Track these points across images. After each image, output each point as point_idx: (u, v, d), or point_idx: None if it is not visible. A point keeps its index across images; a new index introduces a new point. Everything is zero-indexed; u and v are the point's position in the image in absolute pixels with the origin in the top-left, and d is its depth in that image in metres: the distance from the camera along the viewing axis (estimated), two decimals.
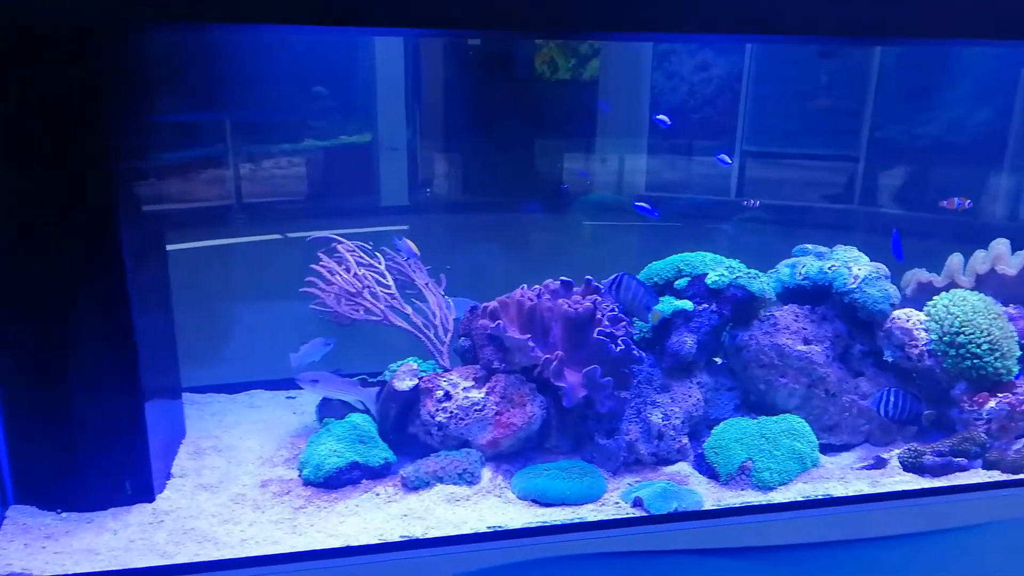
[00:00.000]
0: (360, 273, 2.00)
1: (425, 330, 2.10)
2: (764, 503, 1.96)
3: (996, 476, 2.07)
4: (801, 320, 2.22)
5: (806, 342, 2.20)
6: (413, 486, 1.95)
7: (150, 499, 1.86)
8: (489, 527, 1.83)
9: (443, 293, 2.18)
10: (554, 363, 1.98)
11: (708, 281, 2.15)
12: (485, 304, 2.07)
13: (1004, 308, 2.37)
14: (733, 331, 2.21)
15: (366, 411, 2.13)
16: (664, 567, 1.84)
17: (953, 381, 2.20)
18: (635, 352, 2.04)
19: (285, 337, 2.39)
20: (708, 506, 1.93)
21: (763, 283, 2.16)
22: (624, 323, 2.06)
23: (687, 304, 2.14)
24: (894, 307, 2.20)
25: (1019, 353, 2.22)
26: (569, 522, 1.83)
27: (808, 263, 2.26)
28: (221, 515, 1.84)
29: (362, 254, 2.09)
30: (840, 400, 2.20)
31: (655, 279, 2.23)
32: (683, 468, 2.10)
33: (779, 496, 1.99)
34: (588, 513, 1.90)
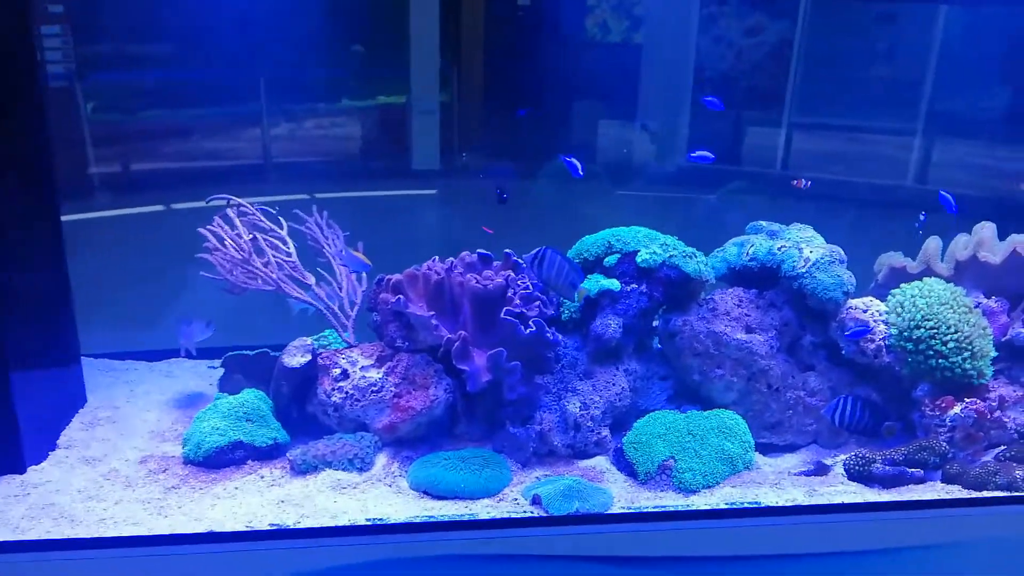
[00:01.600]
0: (248, 238, 1.85)
1: (329, 302, 1.94)
2: (682, 508, 1.77)
3: (956, 492, 1.83)
4: (745, 305, 2.00)
5: (748, 330, 1.98)
6: (300, 470, 1.81)
7: (20, 470, 1.77)
8: (368, 519, 1.68)
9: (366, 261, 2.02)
10: (457, 343, 1.81)
11: (638, 259, 1.94)
12: (389, 276, 1.90)
13: (984, 301, 2.11)
14: (667, 315, 2.00)
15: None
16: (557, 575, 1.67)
17: (916, 380, 1.96)
18: (548, 335, 1.85)
19: (226, 303, 2.27)
20: (617, 508, 1.75)
21: (700, 263, 1.95)
22: (538, 302, 1.87)
23: (613, 284, 1.94)
24: (848, 295, 1.96)
25: (993, 353, 1.96)
26: (449, 518, 1.67)
27: (757, 242, 2.04)
28: (88, 491, 1.73)
29: (262, 218, 1.93)
30: (784, 396, 1.98)
31: (585, 255, 2.03)
32: (600, 463, 1.92)
33: (701, 500, 1.80)
34: (483, 509, 1.74)
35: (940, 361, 1.88)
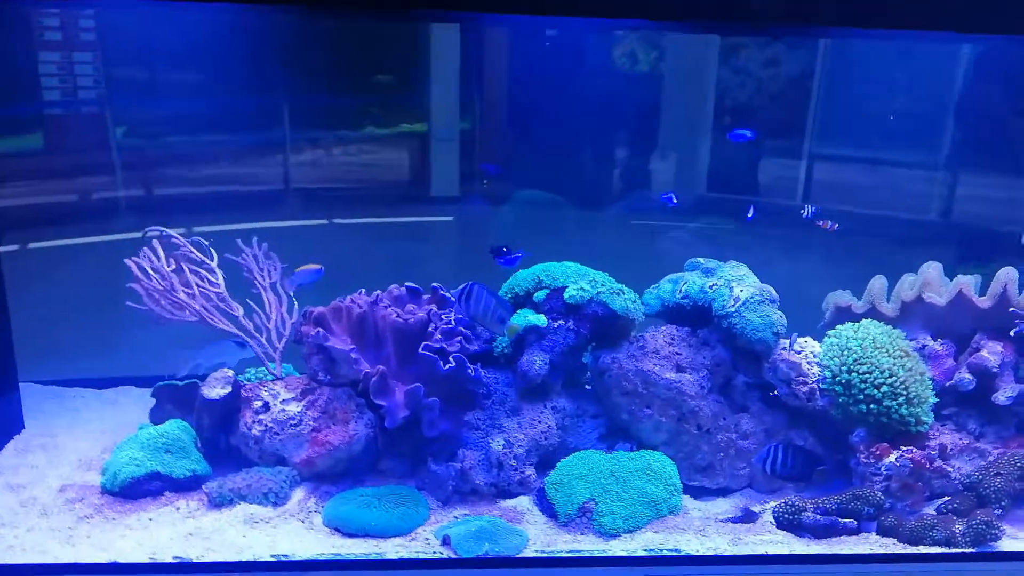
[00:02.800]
0: (171, 269, 1.87)
1: (256, 334, 1.95)
2: (597, 554, 1.72)
3: (890, 546, 1.76)
4: (677, 344, 1.96)
5: (678, 369, 1.94)
6: (216, 503, 1.80)
7: None
8: (273, 556, 1.66)
9: (290, 294, 2.03)
10: (375, 378, 1.80)
11: (565, 296, 1.92)
12: (312, 308, 1.90)
13: (930, 343, 2.05)
14: (597, 352, 1.97)
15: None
16: None
17: (851, 425, 1.90)
18: (468, 371, 1.83)
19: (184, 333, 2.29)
20: (531, 552, 1.71)
21: (627, 300, 1.92)
22: (460, 337, 1.86)
23: (540, 319, 1.92)
24: (779, 336, 1.91)
25: (932, 399, 1.90)
26: (353, 558, 1.64)
27: (691, 280, 2.00)
28: (3, 518, 1.74)
29: (192, 249, 1.95)
30: (715, 438, 1.93)
31: (516, 290, 2.02)
32: (523, 503, 1.88)
33: (621, 545, 1.75)
34: (393, 548, 1.71)
35: (872, 406, 1.82)
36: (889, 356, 1.84)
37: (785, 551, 1.73)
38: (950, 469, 1.90)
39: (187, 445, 1.89)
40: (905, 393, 1.82)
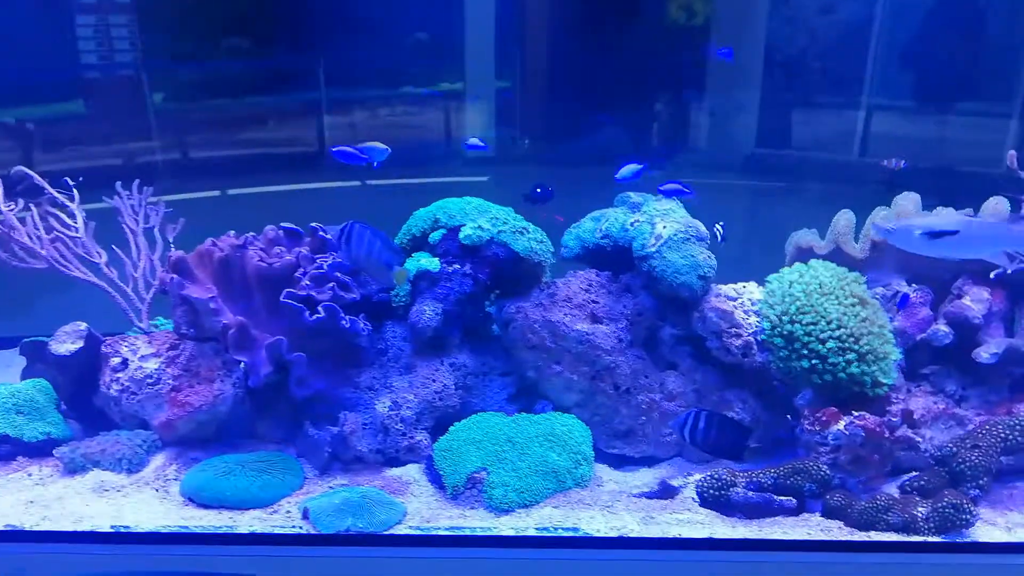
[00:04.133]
0: (9, 208, 1.67)
1: (122, 284, 1.74)
2: (481, 532, 1.48)
3: (835, 531, 1.46)
4: (595, 291, 1.68)
5: (594, 319, 1.66)
6: (70, 469, 1.63)
7: None
8: (113, 527, 1.48)
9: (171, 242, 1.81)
10: (232, 330, 1.58)
11: (460, 235, 1.65)
12: (174, 252, 1.68)
13: (905, 289, 1.72)
14: (502, 301, 1.71)
15: None
16: None
17: (799, 385, 1.60)
18: (343, 322, 1.59)
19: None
20: (404, 528, 1.48)
21: (532, 240, 1.64)
22: (332, 283, 1.62)
23: (433, 263, 1.66)
24: (706, 280, 1.61)
25: (895, 356, 1.58)
26: (190, 531, 1.44)
27: (612, 217, 1.71)
28: None
29: (55, 192, 1.75)
30: (636, 399, 1.65)
31: (413, 231, 1.76)
32: (411, 472, 1.65)
33: (512, 523, 1.51)
34: (250, 520, 1.50)
35: (816, 363, 1.52)
36: (839, 304, 1.53)
37: (704, 534, 1.46)
38: (920, 440, 1.59)
39: (43, 406, 1.71)
40: (856, 348, 1.50)
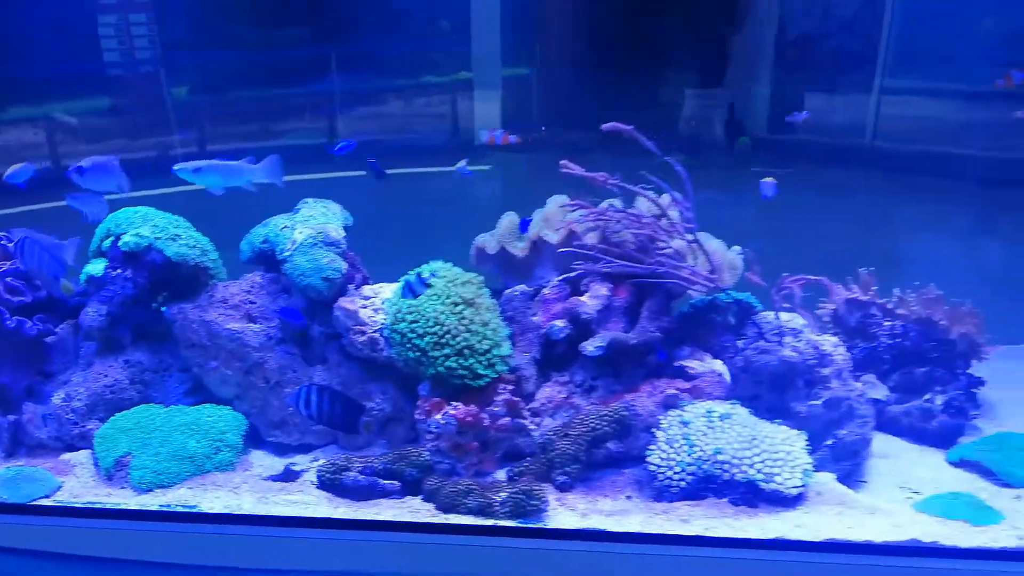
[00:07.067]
0: None
1: None
2: (135, 507, 1.64)
3: (424, 513, 1.58)
4: (256, 292, 1.83)
5: (250, 319, 1.80)
6: None
7: None
8: None
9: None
10: None
11: (120, 243, 1.80)
12: None
13: (549, 287, 1.83)
14: (169, 303, 1.86)
15: None
16: None
17: (421, 378, 1.73)
18: (8, 323, 1.76)
19: None
20: (50, 502, 1.66)
21: (183, 246, 1.79)
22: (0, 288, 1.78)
23: (96, 269, 1.81)
24: (331, 281, 1.74)
25: (503, 351, 1.70)
26: None
27: (273, 223, 1.85)
28: None
29: None
30: (284, 392, 1.80)
31: (96, 240, 1.91)
32: (81, 457, 1.82)
33: (153, 500, 1.67)
34: None
35: (419, 356, 1.65)
36: (441, 303, 1.65)
37: (308, 513, 1.61)
38: (534, 427, 1.72)
39: None
40: (453, 344, 1.63)
